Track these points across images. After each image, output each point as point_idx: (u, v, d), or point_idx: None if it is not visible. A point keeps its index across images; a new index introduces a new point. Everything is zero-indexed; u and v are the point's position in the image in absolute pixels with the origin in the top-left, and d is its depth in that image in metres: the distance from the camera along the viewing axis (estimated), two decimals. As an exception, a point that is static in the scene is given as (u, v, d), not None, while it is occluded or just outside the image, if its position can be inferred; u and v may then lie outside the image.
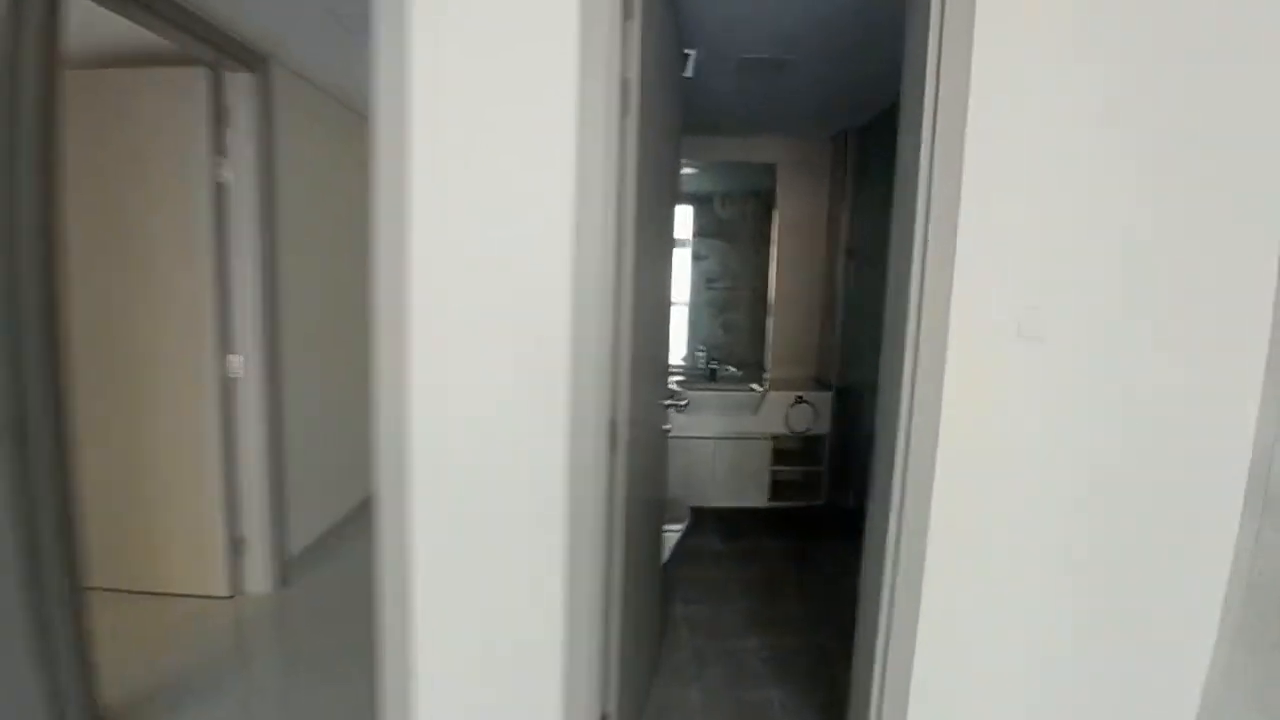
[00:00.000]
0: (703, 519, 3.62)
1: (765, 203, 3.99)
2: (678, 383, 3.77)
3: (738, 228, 4.05)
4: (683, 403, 2.28)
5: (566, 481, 1.43)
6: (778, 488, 3.78)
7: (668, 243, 2.19)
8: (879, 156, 3.64)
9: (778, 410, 3.72)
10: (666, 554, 2.58)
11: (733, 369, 4.06)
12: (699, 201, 4.05)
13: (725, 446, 3.73)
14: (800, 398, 3.71)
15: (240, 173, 2.51)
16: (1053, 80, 1.38)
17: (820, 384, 3.94)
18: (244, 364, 2.61)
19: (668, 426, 2.29)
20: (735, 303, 4.11)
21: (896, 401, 1.49)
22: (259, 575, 2.76)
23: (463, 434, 1.41)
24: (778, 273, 3.98)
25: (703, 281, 4.08)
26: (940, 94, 1.37)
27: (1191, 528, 1.53)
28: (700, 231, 4.05)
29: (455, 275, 1.36)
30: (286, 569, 2.83)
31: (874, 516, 1.63)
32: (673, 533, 2.62)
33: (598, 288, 1.39)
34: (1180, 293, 1.44)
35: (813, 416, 3.72)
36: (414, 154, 1.33)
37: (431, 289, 1.36)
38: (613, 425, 1.50)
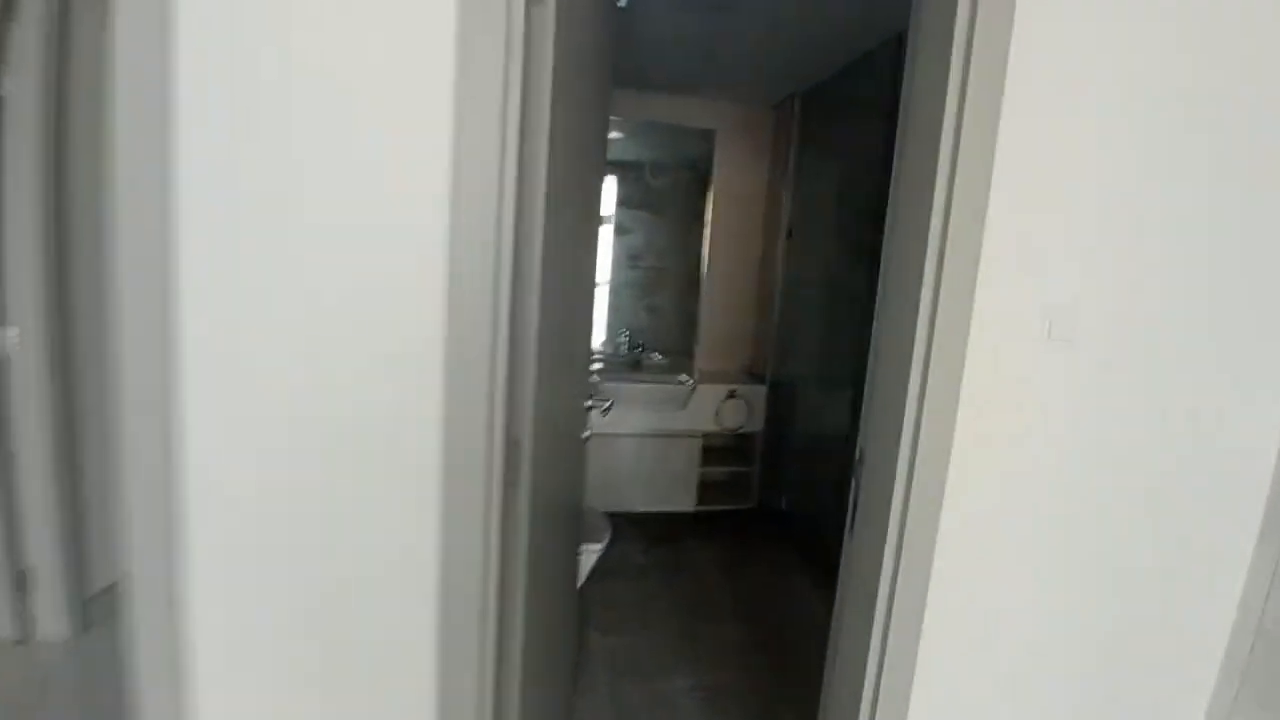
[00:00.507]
0: (623, 526, 3.23)
1: (700, 174, 3.59)
2: (596, 372, 3.33)
3: (668, 200, 3.63)
4: (605, 404, 1.85)
5: (439, 538, 0.97)
6: (706, 490, 3.45)
7: (594, 208, 1.73)
8: (826, 127, 3.32)
9: (708, 405, 3.37)
10: (582, 577, 2.16)
11: (658, 356, 3.66)
12: (625, 169, 3.60)
13: (649, 445, 3.34)
14: (733, 392, 3.38)
15: (25, 83, 1.84)
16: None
17: (753, 376, 3.63)
18: (18, 338, 1.94)
19: (587, 433, 1.85)
20: (662, 284, 3.71)
21: (898, 418, 1.13)
22: (52, 616, 2.11)
23: (277, 472, 0.91)
24: (711, 252, 3.61)
25: (626, 259, 3.64)
26: (974, 49, 1.00)
27: (1205, 559, 1.29)
28: (625, 202, 3.60)
29: (255, 251, 0.86)
30: (88, 609, 2.19)
31: (860, 553, 1.27)
32: (591, 553, 2.21)
33: (484, 267, 0.93)
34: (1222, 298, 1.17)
35: (746, 412, 3.39)
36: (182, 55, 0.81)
37: (216, 268, 0.85)
38: (511, 449, 1.05)
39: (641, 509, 3.39)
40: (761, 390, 3.45)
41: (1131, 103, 1.08)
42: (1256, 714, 1.35)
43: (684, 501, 3.43)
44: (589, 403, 1.81)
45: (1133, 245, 1.13)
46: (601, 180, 1.91)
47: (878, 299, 1.29)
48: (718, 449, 3.46)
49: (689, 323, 3.70)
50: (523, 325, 1.03)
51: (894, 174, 1.20)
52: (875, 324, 1.28)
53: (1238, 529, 1.31)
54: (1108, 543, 1.24)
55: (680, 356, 3.68)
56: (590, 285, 1.82)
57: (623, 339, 3.65)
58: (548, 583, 1.34)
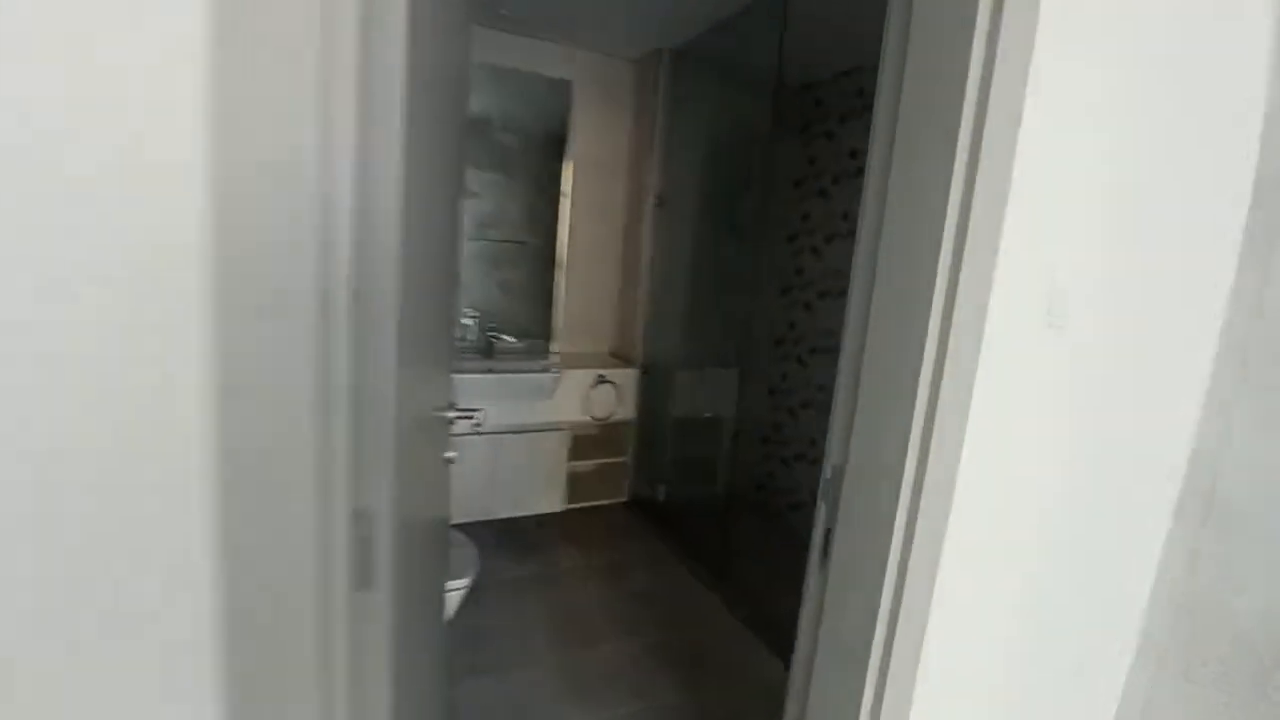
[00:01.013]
0: (487, 537, 2.80)
1: (556, 133, 3.18)
2: (446, 362, 2.83)
3: (521, 162, 3.18)
4: (474, 414, 1.44)
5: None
6: (576, 486, 3.12)
7: (455, 157, 1.28)
8: (699, 87, 3.07)
9: (576, 393, 3.03)
10: (448, 615, 1.75)
11: (512, 340, 3.23)
12: (472, 124, 3.07)
13: (512, 443, 2.93)
14: (602, 377, 3.06)
15: None
16: None
17: (623, 360, 3.34)
18: None
19: (451, 454, 1.43)
20: (516, 257, 3.26)
21: (905, 418, 0.88)
22: None
23: None
24: (571, 222, 3.23)
25: (475, 228, 3.14)
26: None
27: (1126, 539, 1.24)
28: (473, 163, 3.09)
29: None
30: None
31: (841, 587, 1.03)
32: (457, 590, 1.80)
33: (286, 226, 0.51)
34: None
35: (616, 399, 3.10)
36: None
37: None
38: (358, 524, 0.64)
39: (505, 514, 2.98)
40: (632, 375, 3.17)
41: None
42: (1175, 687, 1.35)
43: (553, 501, 3.08)
44: (453, 413, 1.39)
45: (1130, 232, 0.98)
46: (464, 121, 1.45)
47: (853, 301, 1.03)
48: (587, 440, 3.14)
49: (547, 301, 3.30)
50: (373, 323, 0.62)
51: (877, 162, 0.95)
52: (863, 331, 1.02)
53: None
54: (1089, 536, 1.12)
55: (537, 340, 3.28)
56: (451, 257, 1.38)
57: (470, 320, 3.17)
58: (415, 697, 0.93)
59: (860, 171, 3.05)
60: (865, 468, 0.97)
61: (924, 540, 0.89)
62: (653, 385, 3.20)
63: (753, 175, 3.20)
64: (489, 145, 3.09)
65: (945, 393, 0.85)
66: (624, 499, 3.26)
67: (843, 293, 3.15)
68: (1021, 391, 0.95)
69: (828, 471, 1.06)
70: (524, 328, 3.29)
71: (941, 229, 0.84)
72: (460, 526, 2.76)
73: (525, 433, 2.95)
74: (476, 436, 2.83)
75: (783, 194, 3.42)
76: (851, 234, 3.01)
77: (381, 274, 0.62)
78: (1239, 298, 1.14)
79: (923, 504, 0.88)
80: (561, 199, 3.20)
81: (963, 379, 0.86)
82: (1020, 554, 1.04)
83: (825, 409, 3.08)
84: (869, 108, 3.04)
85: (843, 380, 1.02)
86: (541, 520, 3.02)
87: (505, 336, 3.17)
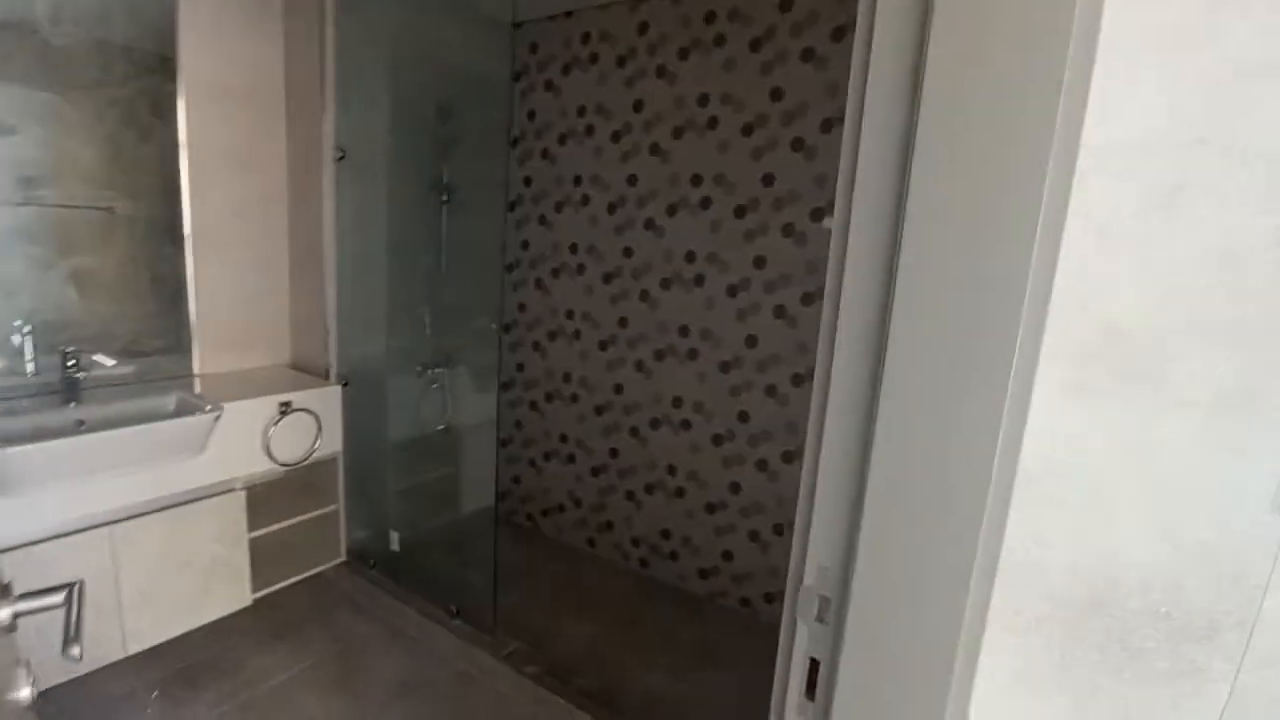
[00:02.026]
0: (130, 676, 1.76)
1: (158, 40, 2.04)
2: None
3: (94, 79, 1.96)
4: (64, 603, 0.69)
5: None
6: (265, 562, 2.20)
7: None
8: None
9: (246, 433, 2.09)
10: None
11: (109, 362, 2.06)
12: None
13: (141, 534, 1.87)
14: (287, 405, 2.17)
15: None
16: None
17: (310, 373, 2.45)
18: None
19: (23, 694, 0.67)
20: (102, 232, 2.07)
21: (975, 505, 0.57)
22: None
23: None
24: (196, 177, 2.17)
25: (14, 185, 1.86)
26: None
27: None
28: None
29: None
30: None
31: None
32: None
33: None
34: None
35: (314, 431, 2.25)
36: None
37: None
38: None
39: (152, 641, 1.93)
40: (331, 393, 2.34)
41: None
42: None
43: (231, 596, 2.11)
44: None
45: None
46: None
47: (849, 307, 0.66)
48: (274, 496, 2.23)
49: (171, 299, 2.20)
50: None
51: (881, 114, 0.58)
52: (872, 356, 0.66)
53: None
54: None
55: (160, 357, 2.18)
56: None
57: (21, 338, 1.90)
58: None
59: (591, 130, 2.74)
60: (896, 579, 0.64)
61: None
62: (362, 401, 2.43)
63: (463, 128, 2.60)
64: (34, 49, 1.81)
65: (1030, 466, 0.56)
66: (340, 559, 2.44)
67: (581, 269, 2.84)
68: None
69: (808, 574, 0.71)
70: (132, 342, 2.14)
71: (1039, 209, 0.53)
72: (63, 685, 1.67)
73: (165, 510, 1.92)
74: (78, 536, 1.72)
75: (498, 154, 2.87)
76: (586, 201, 2.68)
77: None
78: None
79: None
80: (178, 146, 2.10)
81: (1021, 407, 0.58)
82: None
83: (572, 400, 2.75)
84: (596, 58, 2.75)
85: (840, 432, 0.66)
86: (216, 629, 2.05)
87: (100, 359, 1.99)
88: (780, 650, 0.79)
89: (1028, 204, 0.53)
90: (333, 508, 2.39)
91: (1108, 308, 0.56)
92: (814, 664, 0.74)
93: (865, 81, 0.59)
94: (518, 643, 2.06)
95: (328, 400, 2.31)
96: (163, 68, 2.06)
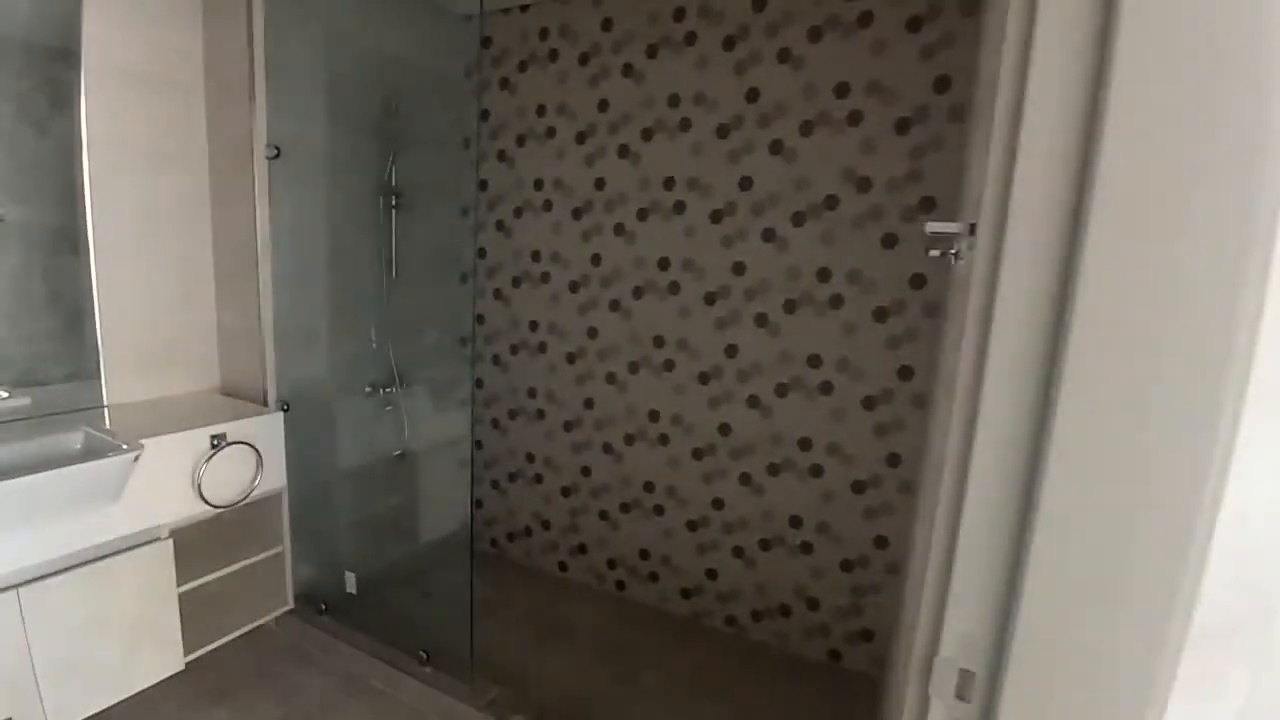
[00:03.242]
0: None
1: (59, 32, 1.75)
2: None
3: (-35, 61, 1.66)
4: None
5: None
6: (199, 618, 1.91)
7: None
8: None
9: (172, 472, 1.82)
10: None
11: (2, 394, 1.76)
12: None
13: (50, 596, 1.58)
14: (220, 438, 1.91)
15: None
16: None
17: (244, 399, 2.18)
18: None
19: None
20: (-14, 245, 1.75)
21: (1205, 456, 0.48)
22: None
23: None
24: (98, 180, 1.88)
25: None
26: None
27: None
28: None
29: None
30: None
31: None
32: None
33: None
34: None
35: (253, 466, 1.99)
36: None
37: None
38: None
39: (83, 714, 1.63)
40: (271, 421, 2.08)
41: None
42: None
43: (161, 660, 1.82)
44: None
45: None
46: None
47: (996, 328, 0.57)
48: (207, 541, 1.95)
49: (74, 318, 1.90)
50: None
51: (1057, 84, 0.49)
52: (1041, 381, 0.56)
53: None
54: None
55: (63, 387, 1.88)
56: None
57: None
58: None
59: (552, 131, 2.59)
60: (1064, 663, 0.55)
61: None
62: (304, 429, 2.18)
63: (414, 126, 2.40)
64: None
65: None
66: (287, 607, 2.17)
67: (545, 277, 2.67)
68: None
69: (946, 643, 0.61)
70: (28, 370, 1.82)
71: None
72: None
73: (80, 567, 1.63)
74: (-43, 613, 1.42)
75: (451, 155, 2.68)
76: (548, 206, 2.53)
77: None
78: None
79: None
80: (77, 137, 1.81)
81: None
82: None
83: (538, 416, 2.59)
84: (556, 55, 2.58)
85: (994, 474, 0.56)
86: (146, 700, 1.77)
87: (-15, 393, 1.68)
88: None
89: (1237, 220, 0.45)
90: (276, 550, 2.12)
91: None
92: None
93: (1027, 58, 0.49)
94: (498, 688, 1.87)
95: (268, 429, 2.05)
96: (65, 55, 1.77)
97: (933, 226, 0.70)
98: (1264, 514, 0.48)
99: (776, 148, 2.10)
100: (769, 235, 2.14)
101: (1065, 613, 0.51)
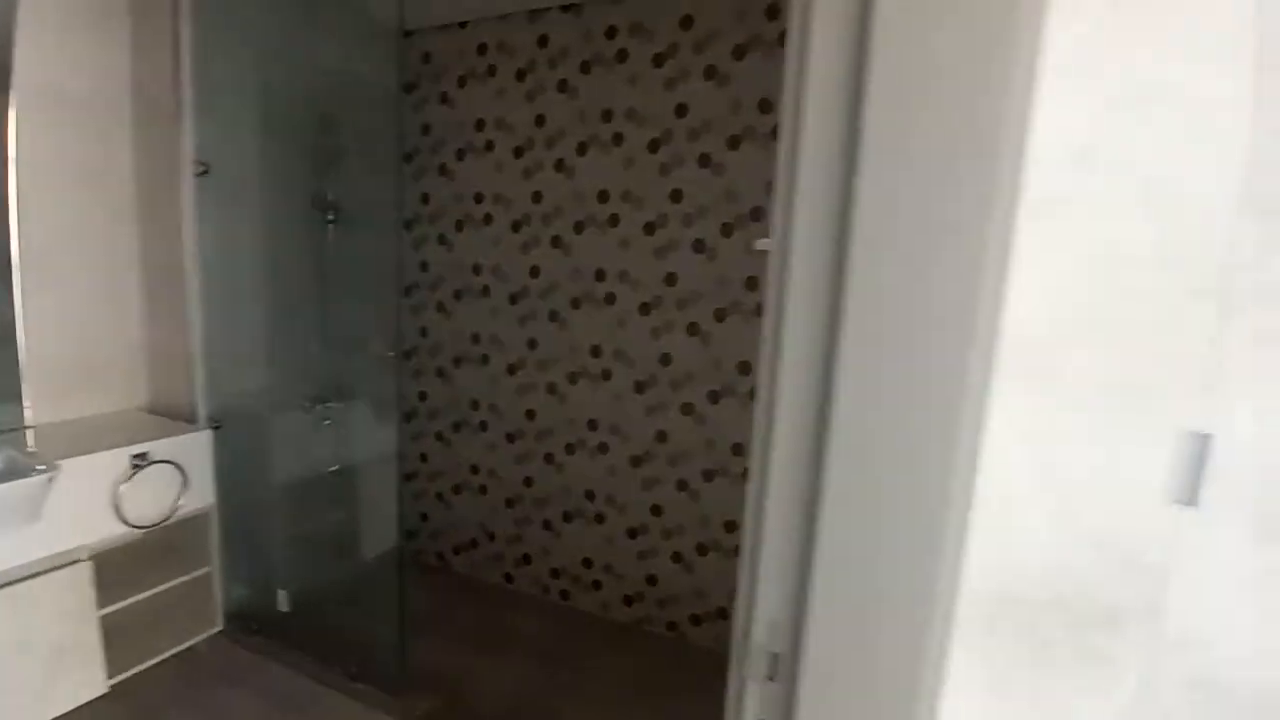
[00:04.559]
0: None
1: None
2: None
3: None
4: None
5: None
6: (123, 641, 1.88)
7: None
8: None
9: (93, 492, 1.79)
10: None
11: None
12: None
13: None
14: (142, 457, 1.88)
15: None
16: None
17: (172, 416, 2.15)
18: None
19: None
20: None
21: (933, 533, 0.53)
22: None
23: None
24: (24, 196, 1.85)
25: None
26: None
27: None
28: None
29: None
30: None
31: None
32: None
33: None
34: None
35: (177, 485, 1.96)
36: None
37: None
38: None
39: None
40: (199, 439, 2.05)
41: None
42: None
43: (84, 683, 1.78)
44: None
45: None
46: None
47: (789, 323, 0.62)
48: (131, 562, 1.92)
49: (-8, 338, 1.86)
50: None
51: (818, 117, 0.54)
52: (817, 373, 0.61)
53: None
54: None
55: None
56: None
57: None
58: None
59: (491, 145, 2.61)
60: (850, 639, 0.59)
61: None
62: (237, 447, 2.16)
63: (349, 141, 2.41)
64: None
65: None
66: (217, 628, 2.14)
67: (486, 290, 2.68)
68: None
69: (756, 631, 0.65)
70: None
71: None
72: None
73: (-12, 592, 1.59)
74: None
75: (392, 170, 2.68)
76: (488, 219, 2.56)
77: None
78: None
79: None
80: (8, 163, 1.78)
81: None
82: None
83: (481, 428, 2.60)
84: (495, 70, 2.62)
85: (786, 466, 0.61)
86: (60, 727, 1.73)
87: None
88: (728, 713, 0.71)
89: (979, 204, 0.50)
90: (204, 570, 2.09)
91: (1013, 315, 0.55)
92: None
93: (802, 94, 0.54)
94: (431, 700, 1.87)
95: (193, 448, 2.03)
96: (-17, 70, 1.74)
97: (760, 244, 0.74)
98: (1005, 497, 0.53)
99: (705, 161, 2.16)
100: (699, 246, 2.19)
101: (847, 595, 0.55)
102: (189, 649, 2.06)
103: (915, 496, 0.53)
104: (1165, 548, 0.54)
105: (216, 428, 2.13)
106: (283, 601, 2.13)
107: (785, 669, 0.58)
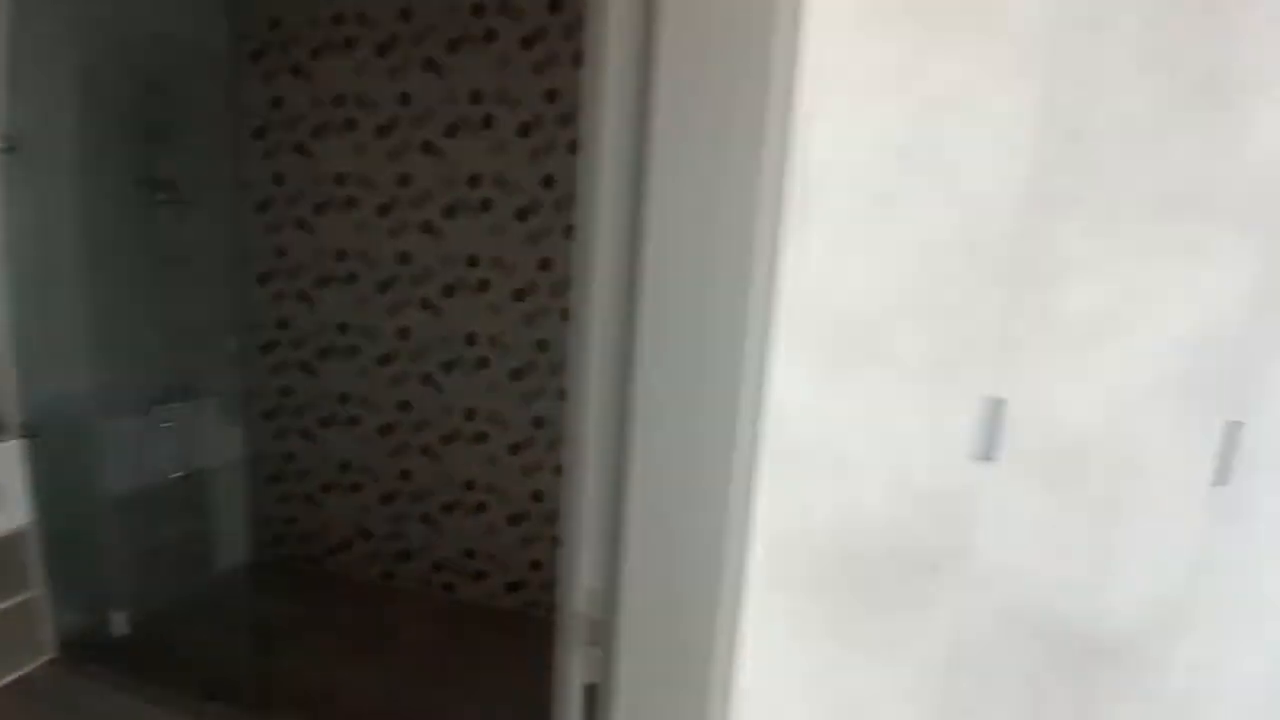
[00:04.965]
0: None
1: None
2: None
3: None
4: None
5: None
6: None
7: None
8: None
9: None
10: None
11: None
12: None
13: None
14: (-64, 471, 1.64)
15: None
16: None
17: (-27, 424, 1.88)
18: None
19: None
20: None
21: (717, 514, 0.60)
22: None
23: None
24: None
25: None
26: None
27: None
28: None
29: None
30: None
31: None
32: None
33: None
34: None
35: (-16, 500, 1.73)
36: None
37: None
38: None
39: None
40: (7, 449, 1.82)
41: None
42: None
43: None
44: None
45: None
46: None
47: (591, 320, 0.65)
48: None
49: None
50: None
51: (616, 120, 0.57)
52: (619, 366, 0.65)
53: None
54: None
55: None
56: None
57: None
58: None
59: (353, 124, 2.46)
60: (658, 597, 0.64)
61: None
62: (60, 457, 1.93)
63: (182, 113, 2.20)
64: None
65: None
66: (49, 656, 1.92)
67: (352, 277, 2.54)
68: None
69: (576, 599, 0.68)
70: None
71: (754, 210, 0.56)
72: None
73: None
74: None
75: (241, 146, 2.47)
76: (351, 202, 2.43)
77: None
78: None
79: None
80: None
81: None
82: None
83: (352, 421, 2.50)
84: (353, 43, 2.44)
85: (599, 450, 0.64)
86: None
87: None
88: (556, 682, 0.74)
89: (746, 213, 0.54)
90: (26, 595, 1.86)
91: (837, 298, 0.63)
92: (590, 689, 0.71)
93: (598, 108, 0.56)
94: (296, 717, 1.79)
95: (4, 458, 1.79)
96: None
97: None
98: (846, 464, 0.58)
99: (574, 147, 2.15)
100: (571, 232, 2.19)
101: (657, 553, 0.59)
102: (21, 678, 1.83)
103: (711, 467, 0.58)
104: (972, 498, 0.63)
105: (32, 436, 1.89)
106: (121, 624, 1.95)
107: (604, 633, 0.62)
